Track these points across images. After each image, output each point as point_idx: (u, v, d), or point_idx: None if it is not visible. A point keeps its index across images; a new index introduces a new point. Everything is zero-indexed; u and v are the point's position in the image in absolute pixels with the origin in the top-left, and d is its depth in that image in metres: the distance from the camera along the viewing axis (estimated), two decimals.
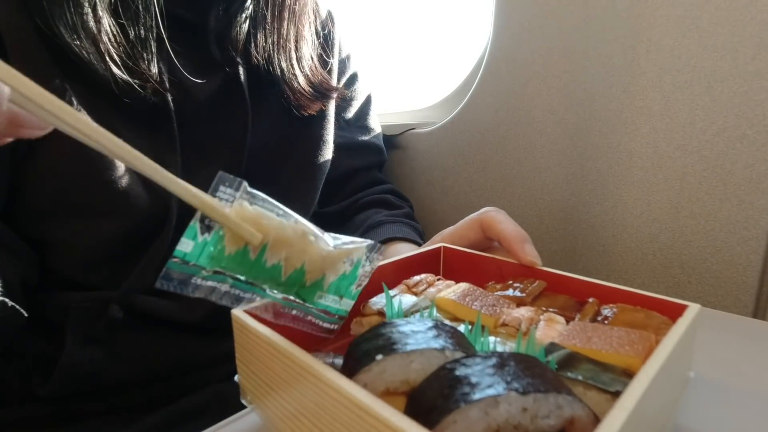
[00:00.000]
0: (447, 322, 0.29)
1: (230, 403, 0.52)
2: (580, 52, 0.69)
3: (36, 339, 0.50)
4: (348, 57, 0.74)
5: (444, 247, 0.46)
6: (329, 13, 0.71)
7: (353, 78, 0.76)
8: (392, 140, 0.96)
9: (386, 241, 0.64)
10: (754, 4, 0.54)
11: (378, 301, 0.36)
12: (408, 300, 0.36)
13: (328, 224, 0.77)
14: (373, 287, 0.39)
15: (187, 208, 0.51)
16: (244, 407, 0.34)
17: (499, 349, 0.30)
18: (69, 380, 0.47)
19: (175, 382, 0.53)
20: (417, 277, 0.39)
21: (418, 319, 0.26)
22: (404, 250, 0.64)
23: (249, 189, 0.28)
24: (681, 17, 0.59)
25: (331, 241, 0.29)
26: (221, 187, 0.27)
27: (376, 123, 0.81)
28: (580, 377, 0.25)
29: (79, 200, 0.46)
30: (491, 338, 0.30)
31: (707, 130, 0.60)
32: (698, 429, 0.32)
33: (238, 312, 0.29)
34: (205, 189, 0.55)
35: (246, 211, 0.27)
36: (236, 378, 0.31)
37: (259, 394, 0.29)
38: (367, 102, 0.79)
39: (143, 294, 0.50)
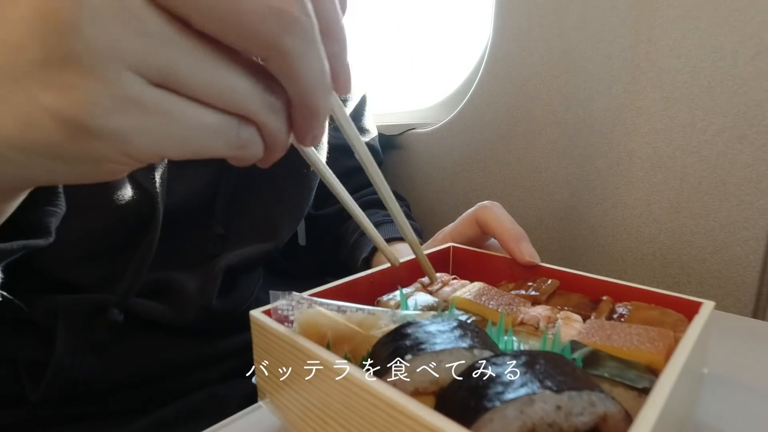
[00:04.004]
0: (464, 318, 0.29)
1: (225, 405, 0.52)
2: (580, 52, 0.69)
3: (25, 343, 0.49)
4: None
5: (453, 246, 0.46)
6: None
7: None
8: (392, 140, 0.96)
9: (386, 242, 0.64)
10: (754, 4, 0.55)
11: (392, 297, 0.36)
12: (423, 299, 0.35)
13: (324, 226, 0.76)
14: (388, 288, 0.38)
15: (175, 208, 0.50)
16: (240, 409, 0.34)
17: (519, 347, 0.30)
18: (60, 385, 0.46)
19: (168, 384, 0.53)
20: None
21: (441, 319, 0.26)
22: (404, 250, 0.63)
23: (303, 295, 0.29)
24: (681, 17, 0.60)
25: (389, 316, 0.29)
26: (280, 301, 0.28)
27: (372, 124, 0.80)
28: (606, 374, 0.25)
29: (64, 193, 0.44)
30: (513, 337, 0.30)
31: (707, 130, 0.60)
32: (711, 424, 0.32)
33: (256, 313, 0.29)
34: (195, 189, 0.55)
35: (309, 316, 0.27)
36: (254, 380, 0.31)
37: (280, 396, 0.28)
38: (362, 103, 0.78)
39: (134, 296, 0.49)
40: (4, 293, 0.35)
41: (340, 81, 0.24)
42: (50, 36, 0.17)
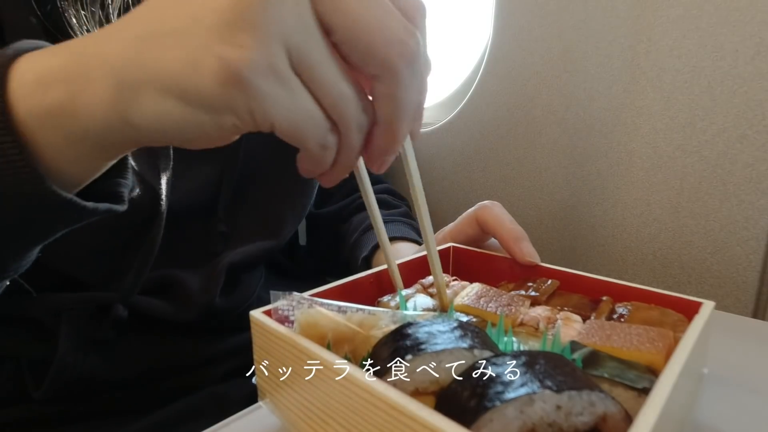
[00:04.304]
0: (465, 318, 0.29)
1: (227, 404, 0.52)
2: (580, 52, 0.69)
3: (28, 341, 0.49)
4: None
5: (453, 246, 0.46)
6: None
7: None
8: None
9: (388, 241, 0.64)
10: (754, 4, 0.55)
11: (393, 298, 0.36)
12: (422, 301, 0.35)
13: (325, 225, 0.76)
14: (388, 289, 0.38)
15: (178, 206, 0.50)
16: (241, 408, 0.34)
17: (519, 348, 0.30)
18: (63, 383, 0.46)
19: (169, 383, 0.53)
20: (432, 278, 0.39)
21: (442, 319, 0.26)
22: (405, 250, 0.64)
23: (303, 295, 0.29)
24: (681, 17, 0.60)
25: (389, 317, 0.29)
26: (280, 302, 0.29)
27: None
28: (605, 375, 0.25)
29: None
30: (513, 338, 0.30)
31: (707, 130, 0.60)
32: (711, 424, 0.32)
33: (256, 313, 0.29)
34: (198, 186, 0.55)
35: (310, 316, 0.27)
36: (254, 380, 0.31)
37: (280, 396, 0.29)
38: None
39: (137, 294, 0.49)
40: (17, 278, 0.35)
41: (416, 126, 0.28)
42: (245, 6, 0.22)
